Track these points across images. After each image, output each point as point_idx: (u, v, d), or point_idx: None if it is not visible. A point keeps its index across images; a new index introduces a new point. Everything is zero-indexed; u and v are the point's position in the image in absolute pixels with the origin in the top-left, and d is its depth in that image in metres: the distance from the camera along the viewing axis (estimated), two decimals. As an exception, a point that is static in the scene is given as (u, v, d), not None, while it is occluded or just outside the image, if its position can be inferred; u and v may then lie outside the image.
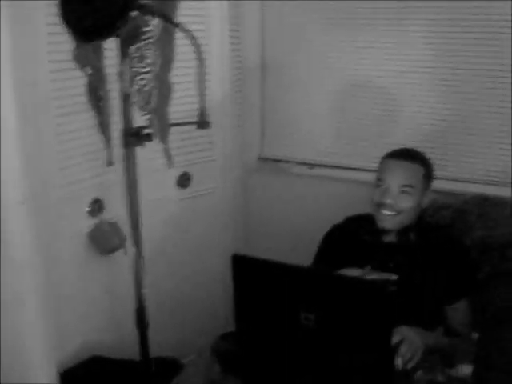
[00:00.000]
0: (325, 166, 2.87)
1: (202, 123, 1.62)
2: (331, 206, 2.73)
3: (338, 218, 2.29)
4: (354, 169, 2.75)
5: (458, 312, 2.05)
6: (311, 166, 2.89)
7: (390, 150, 2.10)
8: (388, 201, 2.00)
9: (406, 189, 2.00)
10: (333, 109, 2.82)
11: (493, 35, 2.43)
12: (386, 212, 2.03)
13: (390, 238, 2.08)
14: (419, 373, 1.76)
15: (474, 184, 2.56)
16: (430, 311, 2.02)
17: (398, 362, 1.71)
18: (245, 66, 2.91)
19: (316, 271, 1.94)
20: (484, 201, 2.27)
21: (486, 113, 2.52)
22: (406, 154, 2.06)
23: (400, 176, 2.01)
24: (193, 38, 1.50)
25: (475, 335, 2.00)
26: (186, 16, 2.20)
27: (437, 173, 2.51)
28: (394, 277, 1.99)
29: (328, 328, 1.57)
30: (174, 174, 2.60)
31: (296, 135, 2.93)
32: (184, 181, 2.64)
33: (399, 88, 2.67)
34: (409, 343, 1.74)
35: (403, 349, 1.73)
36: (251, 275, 1.66)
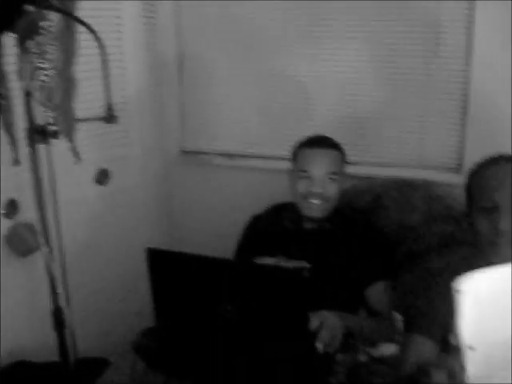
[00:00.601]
0: (246, 156, 2.88)
1: (109, 118, 1.59)
2: (254, 196, 2.73)
3: (261, 207, 2.30)
4: (275, 158, 2.75)
5: (378, 293, 2.08)
6: (232, 156, 2.89)
7: (303, 139, 2.11)
8: (317, 190, 2.03)
9: (332, 176, 2.04)
10: (253, 99, 2.82)
11: (404, 22, 2.51)
12: (315, 201, 2.05)
13: (310, 225, 2.11)
14: (340, 355, 1.79)
15: (390, 168, 2.63)
16: (350, 294, 2.06)
17: (319, 345, 1.72)
18: (162, 59, 2.87)
19: (232, 262, 1.94)
20: (400, 184, 2.32)
21: (403, 98, 2.59)
22: (326, 142, 2.08)
23: (325, 164, 2.04)
24: (94, 33, 1.46)
25: (396, 315, 2.05)
26: (100, 10, 2.17)
27: (356, 158, 2.59)
28: (306, 264, 2.01)
29: (248, 318, 1.57)
30: (92, 171, 2.54)
31: (217, 127, 2.92)
32: (102, 177, 2.59)
33: (317, 77, 2.70)
34: (328, 327, 1.76)
35: (323, 333, 1.74)
36: (168, 268, 1.65)
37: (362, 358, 1.92)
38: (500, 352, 1.01)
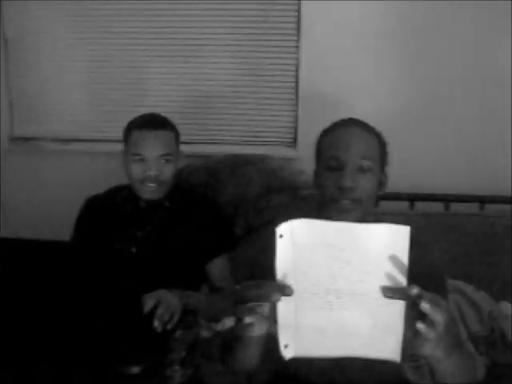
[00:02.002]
0: (80, 140, 2.77)
1: None
2: (90, 180, 2.62)
3: (100, 191, 2.21)
4: (111, 140, 2.66)
5: (218, 268, 2.09)
6: (66, 141, 2.76)
7: (133, 120, 2.02)
8: (151, 173, 1.96)
9: (166, 157, 1.97)
10: (83, 83, 2.74)
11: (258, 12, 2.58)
12: (150, 184, 1.98)
13: (147, 203, 2.06)
14: (180, 332, 1.76)
15: (228, 145, 2.66)
16: (190, 271, 2.04)
17: (156, 324, 1.69)
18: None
19: (62, 245, 1.85)
20: (235, 160, 2.34)
21: (238, 80, 2.64)
22: (157, 122, 2.00)
23: (158, 146, 1.96)
24: None
25: (238, 287, 2.06)
26: None
27: (194, 137, 2.59)
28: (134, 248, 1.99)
29: (84, 303, 1.53)
30: None
31: (48, 112, 2.79)
32: None
33: (151, 58, 2.68)
34: (165, 305, 1.73)
35: (160, 311, 1.71)
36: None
37: (206, 333, 1.91)
38: (309, 295, 1.05)
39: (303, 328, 1.07)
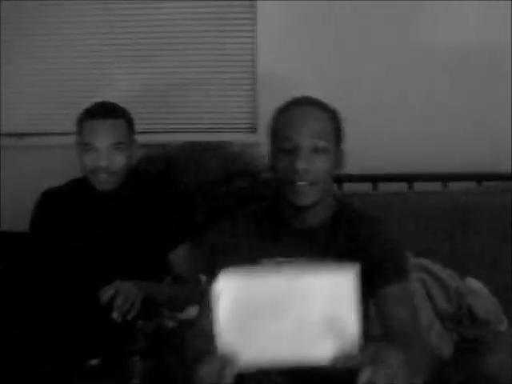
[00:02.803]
0: (35, 134, 2.70)
1: None
2: (48, 173, 2.55)
3: (58, 184, 2.13)
4: (65, 133, 2.57)
5: (181, 257, 2.04)
6: (21, 135, 2.69)
7: (85, 109, 1.95)
8: (102, 164, 1.89)
9: (118, 146, 1.90)
10: (37, 74, 2.66)
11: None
12: (103, 175, 1.93)
13: (104, 192, 2.00)
14: (141, 322, 1.71)
15: (189, 134, 2.62)
16: (152, 261, 1.99)
17: (115, 315, 1.64)
18: None
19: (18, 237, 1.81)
20: (191, 147, 2.29)
21: (198, 68, 2.62)
22: (108, 111, 1.93)
23: (109, 135, 1.89)
24: None
25: (201, 276, 2.02)
26: None
27: (152, 126, 2.54)
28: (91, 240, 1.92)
29: (38, 298, 1.56)
30: None
31: (1, 106, 2.69)
32: None
33: (104, 46, 2.62)
34: (124, 295, 1.68)
35: (119, 301, 1.66)
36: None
37: (170, 323, 1.87)
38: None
39: None
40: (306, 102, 1.43)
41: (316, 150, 1.36)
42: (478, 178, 2.41)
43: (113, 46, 2.63)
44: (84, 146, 1.91)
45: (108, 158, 1.89)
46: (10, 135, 2.69)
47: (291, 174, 1.36)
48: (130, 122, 1.99)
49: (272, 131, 1.45)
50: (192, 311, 1.91)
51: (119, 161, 1.92)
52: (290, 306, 1.00)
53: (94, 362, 1.57)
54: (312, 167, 1.35)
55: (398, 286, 1.38)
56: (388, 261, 1.39)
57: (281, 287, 1.00)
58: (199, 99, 2.63)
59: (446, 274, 2.10)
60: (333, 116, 1.44)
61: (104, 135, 1.89)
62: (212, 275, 1.48)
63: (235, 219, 1.53)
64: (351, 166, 2.35)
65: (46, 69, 2.66)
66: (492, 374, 1.44)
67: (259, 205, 1.56)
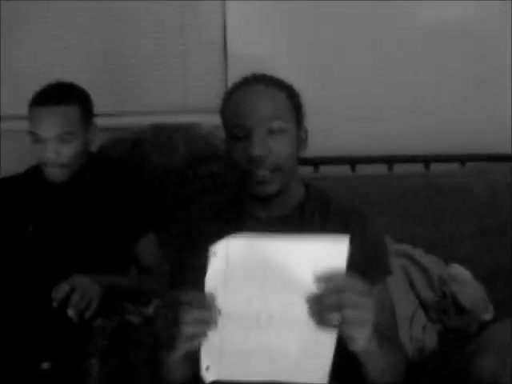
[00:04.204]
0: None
1: None
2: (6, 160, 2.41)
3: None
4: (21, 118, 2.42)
5: (147, 247, 1.91)
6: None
7: (35, 93, 1.79)
8: (49, 155, 1.75)
9: (65, 137, 1.75)
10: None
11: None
12: (52, 168, 1.79)
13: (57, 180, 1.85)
14: (99, 320, 1.58)
15: (155, 116, 2.46)
16: (115, 253, 1.86)
17: (70, 313, 1.51)
18: None
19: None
20: (159, 129, 2.15)
21: (164, 46, 2.47)
22: (55, 96, 1.76)
23: (53, 125, 1.73)
24: None
25: (167, 268, 1.89)
26: None
27: (117, 108, 2.40)
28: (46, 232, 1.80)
29: None
30: None
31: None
32: None
33: (64, 23, 2.46)
34: (80, 291, 1.56)
35: (75, 298, 1.54)
36: None
37: (135, 319, 1.73)
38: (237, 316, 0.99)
39: (228, 350, 1.00)
40: (256, 81, 1.28)
41: (272, 132, 1.22)
42: (462, 159, 2.29)
43: (75, 24, 2.46)
44: (31, 136, 1.76)
45: (55, 150, 1.75)
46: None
47: (247, 162, 1.22)
48: (84, 106, 1.83)
49: (222, 118, 1.31)
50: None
51: (68, 152, 1.77)
52: (281, 269, 0.96)
53: (45, 365, 1.43)
54: (270, 152, 1.21)
55: (380, 286, 1.26)
56: (375, 260, 1.27)
57: (275, 251, 0.96)
58: (167, 79, 2.48)
59: (428, 260, 1.99)
60: (289, 93, 1.28)
61: (49, 125, 1.73)
62: (176, 268, 1.37)
63: (198, 210, 1.39)
64: (328, 147, 2.30)
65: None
66: (482, 378, 1.33)
67: (222, 194, 1.43)
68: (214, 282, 0.97)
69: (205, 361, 0.99)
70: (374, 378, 1.15)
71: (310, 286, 0.95)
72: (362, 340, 0.97)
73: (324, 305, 0.94)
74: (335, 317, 0.93)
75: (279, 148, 1.22)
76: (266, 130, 1.21)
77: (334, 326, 0.94)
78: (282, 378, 1.01)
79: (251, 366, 1.02)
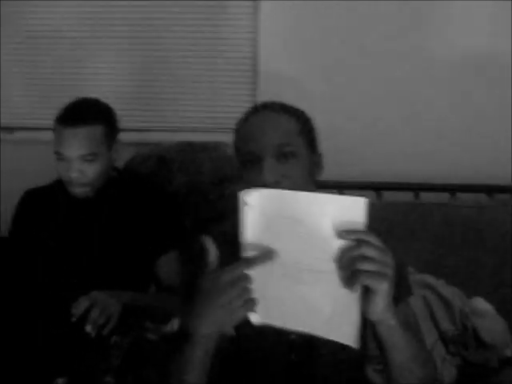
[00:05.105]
0: (25, 128, 2.58)
1: None
2: (37, 170, 2.43)
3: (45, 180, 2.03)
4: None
5: (167, 266, 1.91)
6: (11, 130, 2.56)
7: (60, 110, 1.80)
8: (72, 175, 1.77)
9: (88, 157, 1.76)
10: (22, 67, 2.58)
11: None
12: (75, 186, 1.81)
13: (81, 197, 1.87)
14: (116, 337, 1.59)
15: (184, 133, 2.49)
16: (136, 270, 1.87)
17: (88, 328, 1.51)
18: None
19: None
20: (186, 147, 2.16)
21: (195, 64, 2.50)
22: (78, 117, 1.76)
23: (78, 146, 1.74)
24: None
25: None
26: None
27: (147, 125, 2.41)
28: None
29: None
30: None
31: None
32: None
33: (95, 39, 2.52)
34: (100, 307, 1.56)
35: (93, 314, 1.54)
36: None
37: (152, 336, 1.74)
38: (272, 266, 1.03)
39: (268, 297, 1.04)
40: (263, 108, 1.28)
41: (284, 157, 1.21)
42: (489, 189, 2.26)
43: (106, 38, 2.51)
44: (56, 154, 1.78)
45: (78, 170, 1.77)
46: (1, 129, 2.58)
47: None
48: (109, 124, 1.83)
49: (234, 147, 1.31)
50: (176, 324, 1.79)
51: (92, 171, 1.79)
52: (306, 222, 1.01)
53: (60, 381, 1.43)
54: (281, 178, 1.19)
55: (403, 305, 1.23)
56: (396, 280, 1.26)
57: (300, 201, 1.02)
58: (196, 97, 2.50)
59: (450, 291, 1.96)
60: (299, 118, 1.28)
61: (74, 146, 1.75)
62: (186, 288, 1.36)
63: (218, 233, 1.38)
64: (354, 173, 2.29)
65: (25, 62, 2.59)
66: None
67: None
68: (251, 232, 1.02)
69: None
70: (402, 370, 1.12)
71: (332, 240, 0.99)
72: (380, 302, 1.00)
73: (346, 258, 0.99)
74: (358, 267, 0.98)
75: (291, 173, 1.21)
76: (276, 156, 1.21)
77: (357, 280, 0.98)
78: (316, 332, 1.06)
79: (289, 314, 1.06)
